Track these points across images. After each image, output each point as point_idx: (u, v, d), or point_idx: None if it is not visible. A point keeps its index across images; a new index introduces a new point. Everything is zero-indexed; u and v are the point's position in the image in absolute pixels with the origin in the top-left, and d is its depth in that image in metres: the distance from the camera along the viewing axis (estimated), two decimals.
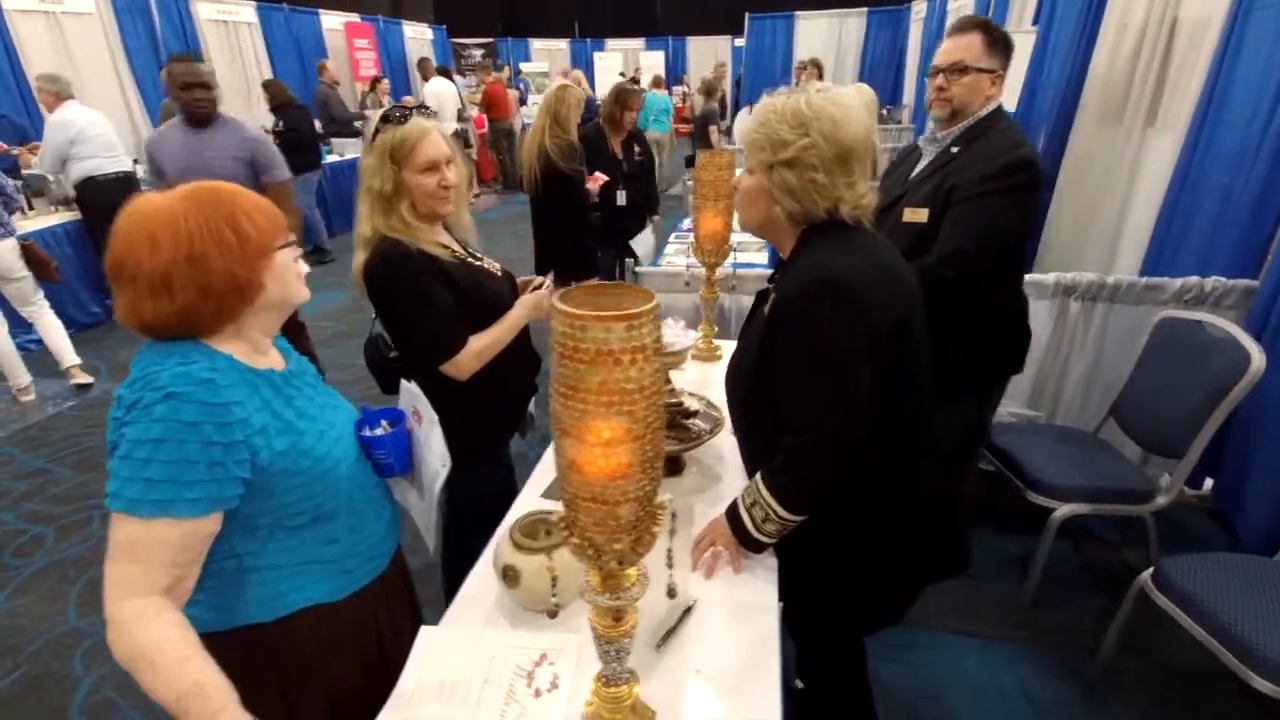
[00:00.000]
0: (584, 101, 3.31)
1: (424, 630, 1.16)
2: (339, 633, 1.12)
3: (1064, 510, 2.08)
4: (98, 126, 4.75)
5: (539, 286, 1.80)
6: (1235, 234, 2.57)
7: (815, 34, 10.80)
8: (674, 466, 1.65)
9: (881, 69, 10.27)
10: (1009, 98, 3.60)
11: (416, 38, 13.30)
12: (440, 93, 7.64)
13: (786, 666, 1.83)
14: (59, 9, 6.84)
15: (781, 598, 1.35)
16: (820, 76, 8.24)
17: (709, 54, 16.36)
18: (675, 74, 16.60)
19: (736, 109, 10.97)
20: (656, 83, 10.45)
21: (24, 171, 4.95)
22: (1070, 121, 3.86)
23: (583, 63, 17.83)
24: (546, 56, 17.34)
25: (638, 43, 17.44)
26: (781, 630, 1.53)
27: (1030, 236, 1.89)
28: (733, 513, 1.30)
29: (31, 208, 4.85)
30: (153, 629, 0.84)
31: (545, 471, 1.64)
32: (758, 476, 1.26)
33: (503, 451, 1.80)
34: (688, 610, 1.23)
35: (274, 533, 1.03)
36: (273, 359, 1.08)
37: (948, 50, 1.83)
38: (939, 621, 2.17)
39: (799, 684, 1.68)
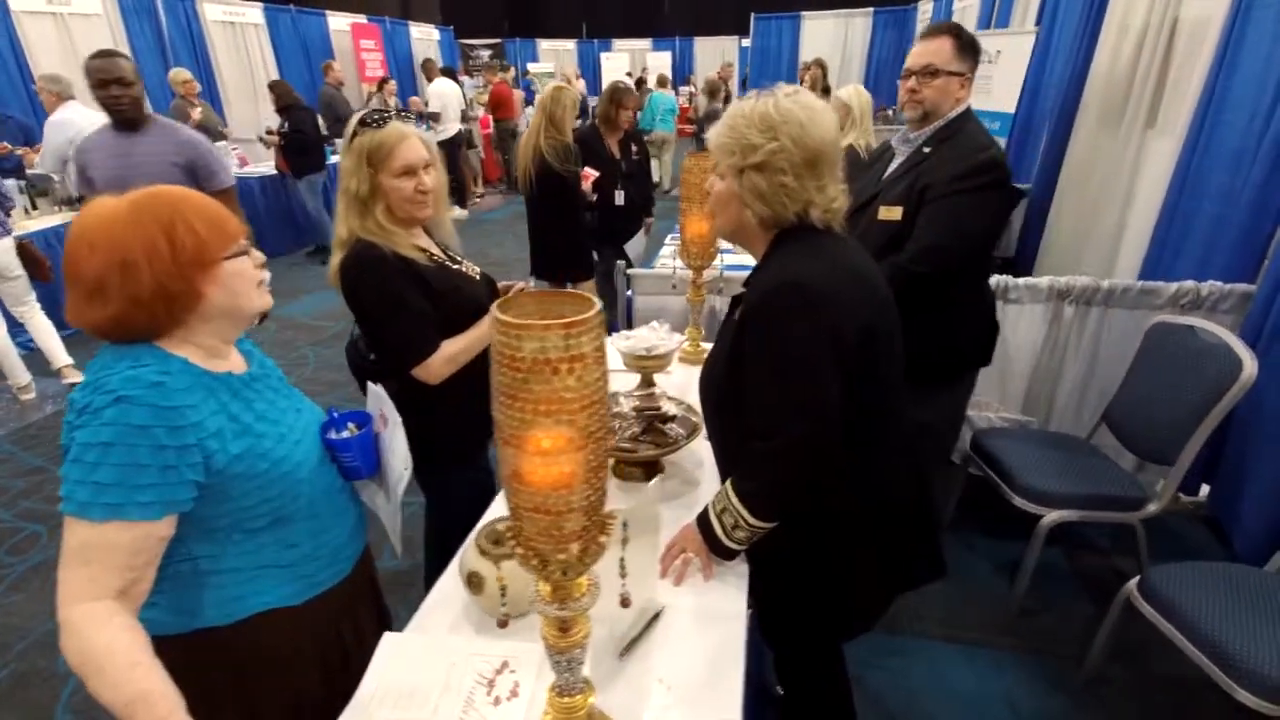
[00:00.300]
0: (579, 102, 3.30)
1: (387, 636, 1.15)
2: (299, 637, 1.11)
3: (1052, 517, 2.06)
4: (97, 127, 4.77)
5: (519, 291, 1.79)
6: (1234, 237, 2.54)
7: (821, 34, 10.76)
8: (652, 471, 1.63)
9: (887, 70, 10.22)
10: (1008, 98, 3.59)
11: (423, 38, 13.35)
12: (444, 93, 7.65)
13: (766, 673, 1.83)
14: (66, 10, 6.91)
15: (754, 604, 1.34)
16: (825, 77, 8.21)
17: (716, 54, 16.35)
18: (682, 74, 16.60)
19: None
20: (661, 82, 10.49)
21: (29, 171, 4.98)
22: (1071, 123, 3.83)
23: (590, 63, 17.85)
24: (553, 57, 17.36)
25: (645, 43, 17.43)
26: (759, 637, 1.53)
27: (999, 235, 1.95)
28: (703, 519, 1.29)
29: (35, 207, 4.89)
30: (103, 633, 0.84)
31: None
32: (728, 483, 1.25)
33: (479, 456, 1.79)
34: (655, 618, 1.22)
35: (231, 536, 1.02)
36: (233, 362, 1.08)
37: (919, 53, 1.89)
38: (924, 628, 2.15)
39: (779, 690, 1.67)
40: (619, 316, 2.81)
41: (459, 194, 8.38)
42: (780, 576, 1.31)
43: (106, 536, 0.88)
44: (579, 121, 3.56)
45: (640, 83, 16.66)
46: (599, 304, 0.74)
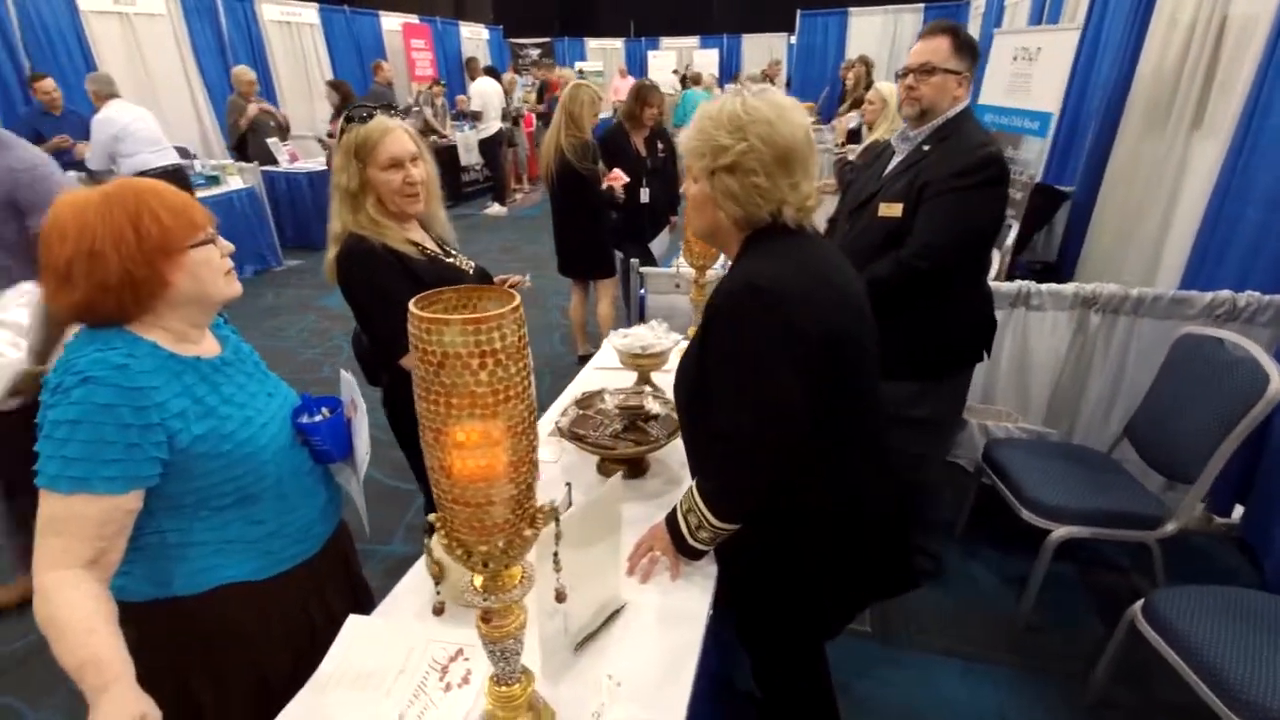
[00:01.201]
0: (598, 100, 3.32)
1: (351, 618, 1.19)
2: (266, 612, 1.15)
3: (1060, 532, 1.99)
4: (141, 122, 4.99)
5: (515, 285, 1.82)
6: (1277, 247, 2.40)
7: (869, 31, 10.57)
8: (637, 469, 1.64)
9: None
10: (1049, 98, 3.46)
11: (473, 38, 13.58)
12: (485, 92, 7.78)
13: (743, 678, 1.81)
14: (131, 10, 7.26)
15: (725, 604, 1.34)
16: (869, 74, 8.07)
17: (765, 52, 16.13)
18: (729, 72, 16.47)
19: None
20: (696, 80, 10.52)
21: (90, 166, 5.26)
22: (1116, 124, 3.68)
23: (637, 61, 17.88)
24: (601, 55, 17.46)
25: (692, 41, 17.36)
26: (735, 639, 1.53)
27: (997, 231, 1.99)
28: (671, 519, 1.29)
29: None
30: (66, 600, 0.90)
31: None
32: (693, 483, 1.25)
33: None
34: (614, 615, 1.23)
35: (198, 512, 1.07)
36: (205, 347, 1.12)
37: (917, 52, 1.91)
38: (924, 639, 2.10)
39: (758, 695, 1.66)
40: (631, 314, 2.82)
41: (499, 191, 8.50)
42: (747, 576, 1.30)
43: (74, 508, 0.93)
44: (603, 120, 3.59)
45: (684, 80, 16.66)
46: (517, 300, 0.75)
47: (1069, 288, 2.51)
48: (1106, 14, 3.83)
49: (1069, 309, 2.53)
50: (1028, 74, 3.69)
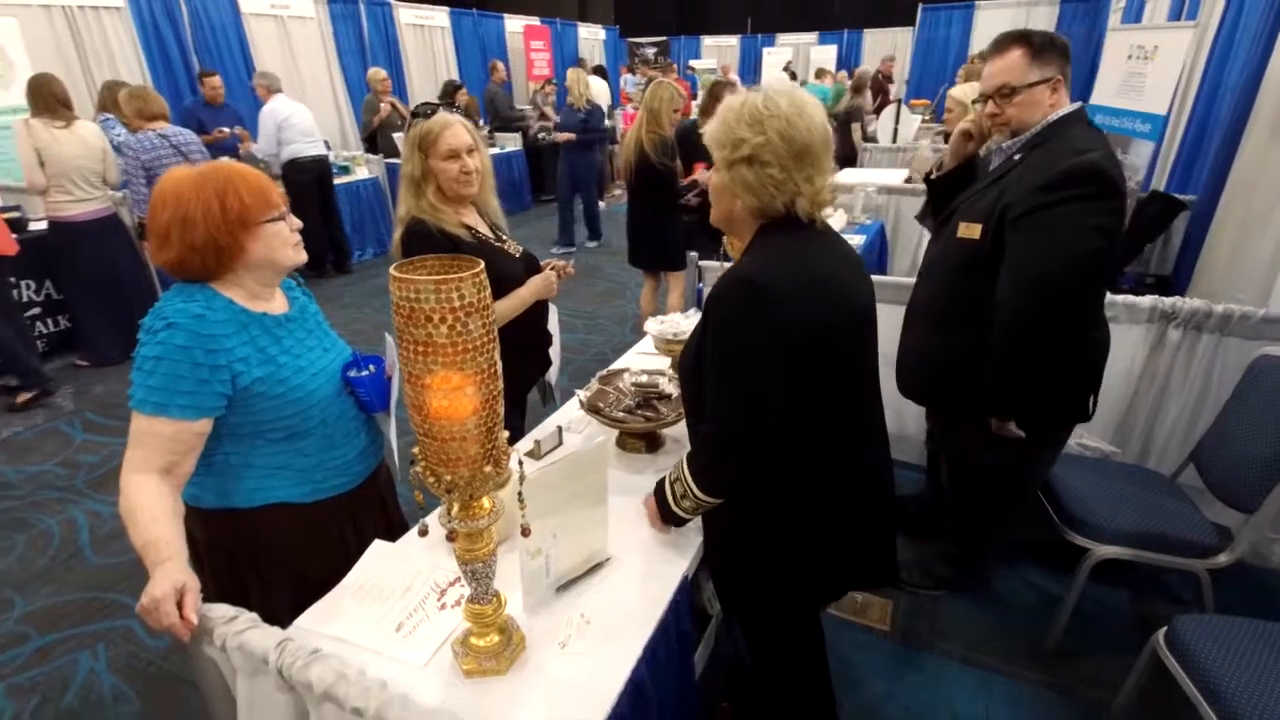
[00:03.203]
0: (679, 98, 3.43)
1: (376, 543, 1.39)
2: (306, 530, 1.37)
3: (1101, 552, 1.91)
4: (299, 115, 5.62)
5: (560, 270, 1.98)
6: None
7: (996, 26, 9.96)
8: (653, 444, 1.76)
9: (1073, 64, 9.28)
10: (1161, 100, 3.24)
11: (590, 38, 14.01)
12: (593, 90, 8.05)
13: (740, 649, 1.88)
14: (286, 13, 8.10)
15: (708, 566, 1.44)
16: None
17: (887, 47, 15.55)
18: (848, 68, 16.02)
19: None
20: (819, 74, 10.81)
21: (241, 152, 5.96)
22: (1241, 131, 3.37)
23: (751, 59, 17.75)
24: (716, 53, 17.47)
25: (810, 37, 17.01)
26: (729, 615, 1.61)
27: (1106, 259, 1.62)
28: (659, 486, 1.40)
29: None
30: (139, 496, 1.13)
31: (538, 432, 1.81)
32: (685, 454, 1.36)
33: (507, 415, 1.99)
34: (598, 565, 1.35)
35: (255, 441, 1.30)
36: (274, 304, 1.34)
37: (990, 75, 1.73)
38: (948, 646, 2.08)
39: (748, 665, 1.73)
40: (688, 305, 2.92)
41: (599, 187, 8.77)
42: (723, 542, 1.39)
43: (154, 427, 1.17)
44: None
45: (793, 77, 16.36)
46: (479, 266, 0.90)
47: (1146, 300, 2.37)
48: (1243, 12, 3.50)
49: (1145, 323, 2.39)
50: (1142, 73, 3.44)
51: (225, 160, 1.29)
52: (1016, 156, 1.73)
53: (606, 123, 8.53)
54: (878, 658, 2.05)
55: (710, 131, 1.29)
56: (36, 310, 4.27)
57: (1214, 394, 2.34)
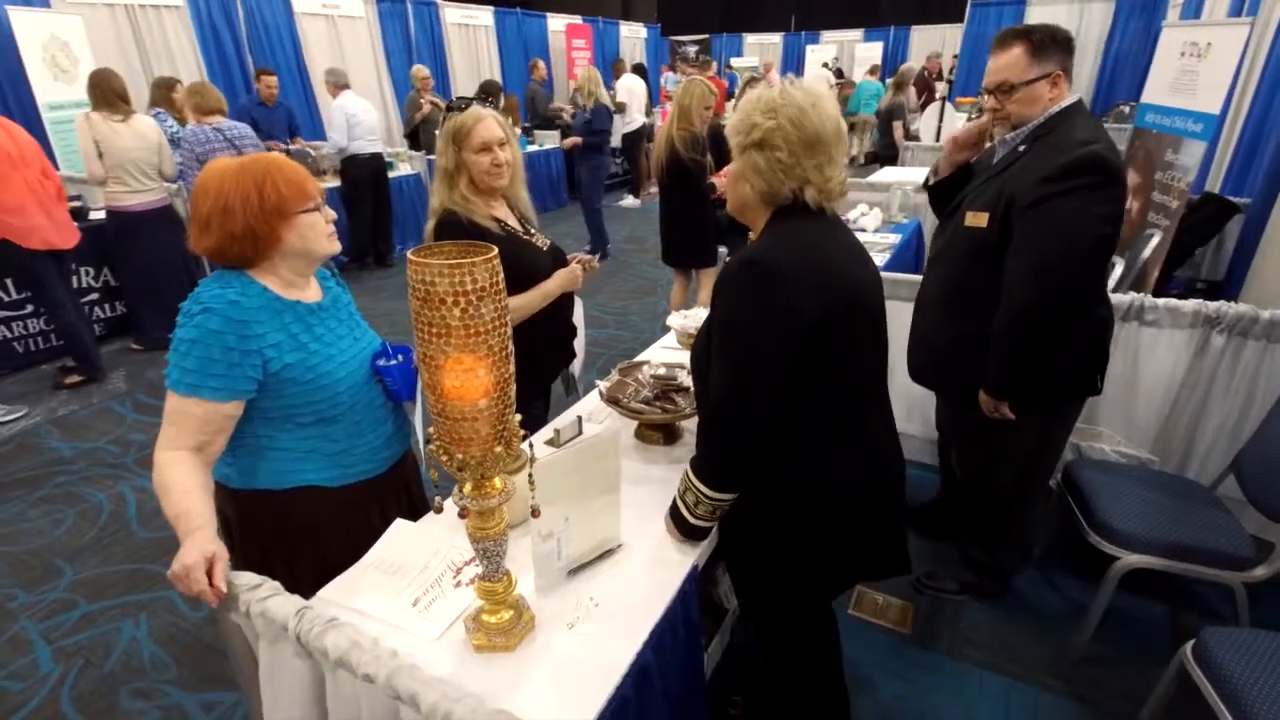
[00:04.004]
0: (710, 95, 3.43)
1: (397, 521, 1.43)
2: (332, 512, 1.42)
3: (1128, 560, 1.86)
4: (365, 114, 5.79)
5: (585, 264, 2.00)
6: None
7: (1049, 21, 9.68)
8: (670, 436, 1.78)
9: (1128, 62, 9.00)
10: (1214, 99, 3.12)
11: (631, 36, 14.06)
12: (631, 88, 8.10)
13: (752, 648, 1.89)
14: (336, 13, 8.32)
15: (720, 555, 1.45)
16: None
17: (935, 44, 15.28)
18: (894, 65, 15.77)
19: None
20: (873, 71, 11.61)
21: (291, 149, 6.15)
22: None
23: (794, 56, 17.59)
24: (758, 51, 17.36)
25: (855, 34, 16.78)
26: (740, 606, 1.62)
27: (1109, 247, 1.68)
28: (673, 506, 1.40)
29: None
30: (172, 470, 1.19)
31: (559, 421, 1.84)
32: (688, 463, 1.37)
33: (530, 404, 2.02)
34: (610, 551, 1.38)
35: (284, 425, 1.35)
36: (308, 293, 1.39)
37: (992, 70, 1.78)
38: (970, 651, 2.05)
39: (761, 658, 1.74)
40: None
41: (635, 185, 8.81)
42: (737, 532, 1.40)
43: (187, 407, 1.22)
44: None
45: (840, 74, 16.16)
46: (493, 251, 0.92)
47: (1189, 304, 2.30)
48: None
49: (1188, 328, 2.32)
50: (1195, 71, 3.31)
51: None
52: (1021, 148, 1.78)
53: (640, 120, 8.56)
54: (895, 659, 2.03)
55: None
56: (94, 296, 4.49)
57: (1259, 402, 2.26)
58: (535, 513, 1.12)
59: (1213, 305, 2.26)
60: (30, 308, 4.10)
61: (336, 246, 1.40)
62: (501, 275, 0.94)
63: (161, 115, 4.90)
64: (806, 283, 1.20)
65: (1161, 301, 2.33)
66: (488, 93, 7.15)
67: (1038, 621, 2.15)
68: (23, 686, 2.01)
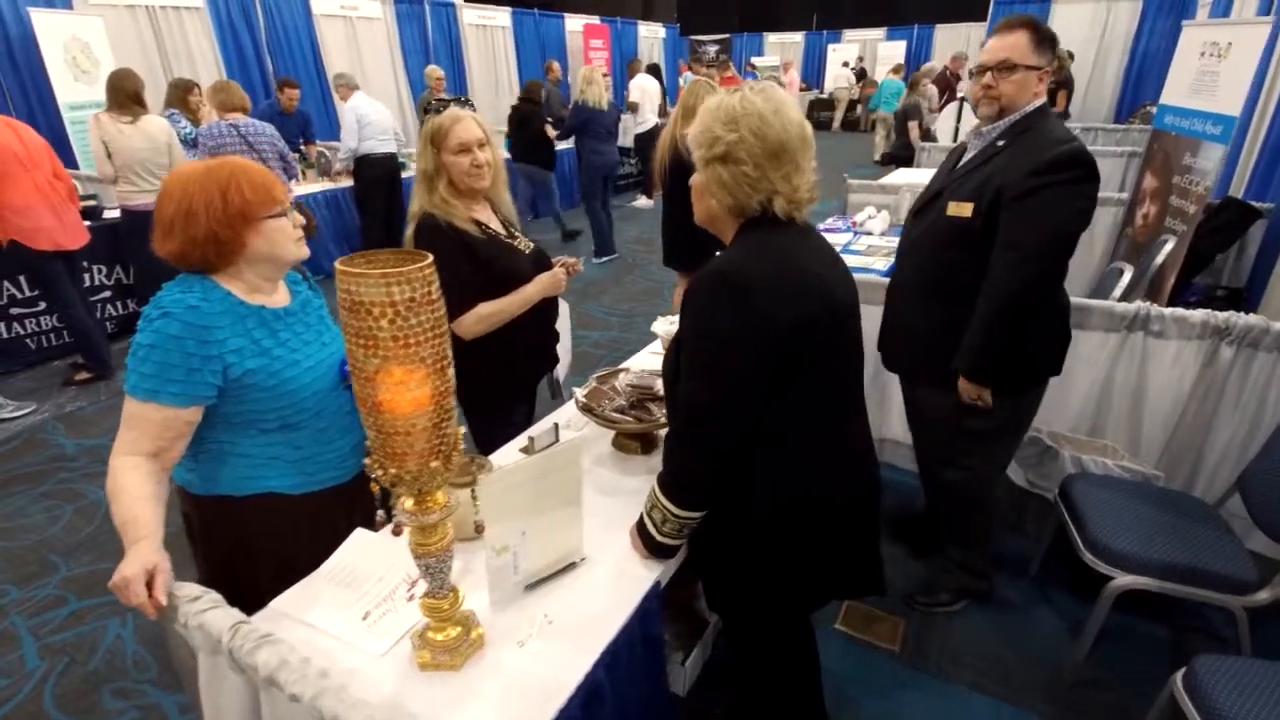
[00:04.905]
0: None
1: (357, 530, 1.41)
2: (296, 519, 1.40)
3: (1123, 581, 1.79)
4: (377, 114, 5.79)
5: (570, 267, 1.98)
6: None
7: (1075, 22, 9.49)
8: (648, 445, 1.74)
9: (1155, 62, 8.77)
10: (1234, 101, 3.02)
11: (649, 36, 14.02)
12: (644, 88, 8.05)
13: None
14: (354, 14, 8.40)
15: (690, 570, 1.42)
16: (1063, 69, 7.31)
17: (959, 43, 15.05)
18: (917, 64, 15.57)
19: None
20: (897, 70, 11.86)
21: (302, 149, 6.20)
22: None
23: (816, 55, 17.44)
24: (779, 50, 17.23)
25: (878, 33, 16.59)
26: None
27: (1077, 234, 1.76)
28: (639, 522, 1.36)
29: (304, 177, 6.09)
30: (124, 477, 1.18)
31: (536, 429, 1.82)
32: (655, 480, 1.33)
33: (515, 409, 2.00)
34: (572, 565, 1.35)
35: (247, 430, 1.33)
36: (275, 298, 1.37)
37: (994, 49, 1.78)
38: (957, 671, 1.98)
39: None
40: None
41: (647, 185, 8.77)
42: (706, 545, 1.36)
43: (144, 413, 1.21)
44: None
45: (861, 74, 15.96)
46: (426, 260, 0.90)
47: (1197, 314, 2.21)
48: None
49: (1196, 339, 2.23)
50: (1215, 72, 3.20)
51: (233, 155, 1.33)
52: (1000, 142, 1.80)
53: (653, 120, 8.49)
54: (881, 677, 1.98)
55: (690, 132, 1.28)
56: (106, 294, 4.56)
57: (1269, 417, 2.17)
58: (478, 529, 1.09)
59: (1221, 315, 2.17)
60: (43, 305, 4.17)
61: (305, 252, 1.39)
62: (436, 285, 0.91)
63: (175, 116, 4.96)
64: (776, 292, 1.16)
65: (1169, 311, 2.25)
66: (531, 96, 6.99)
67: (1031, 640, 2.08)
68: (8, 683, 2.03)
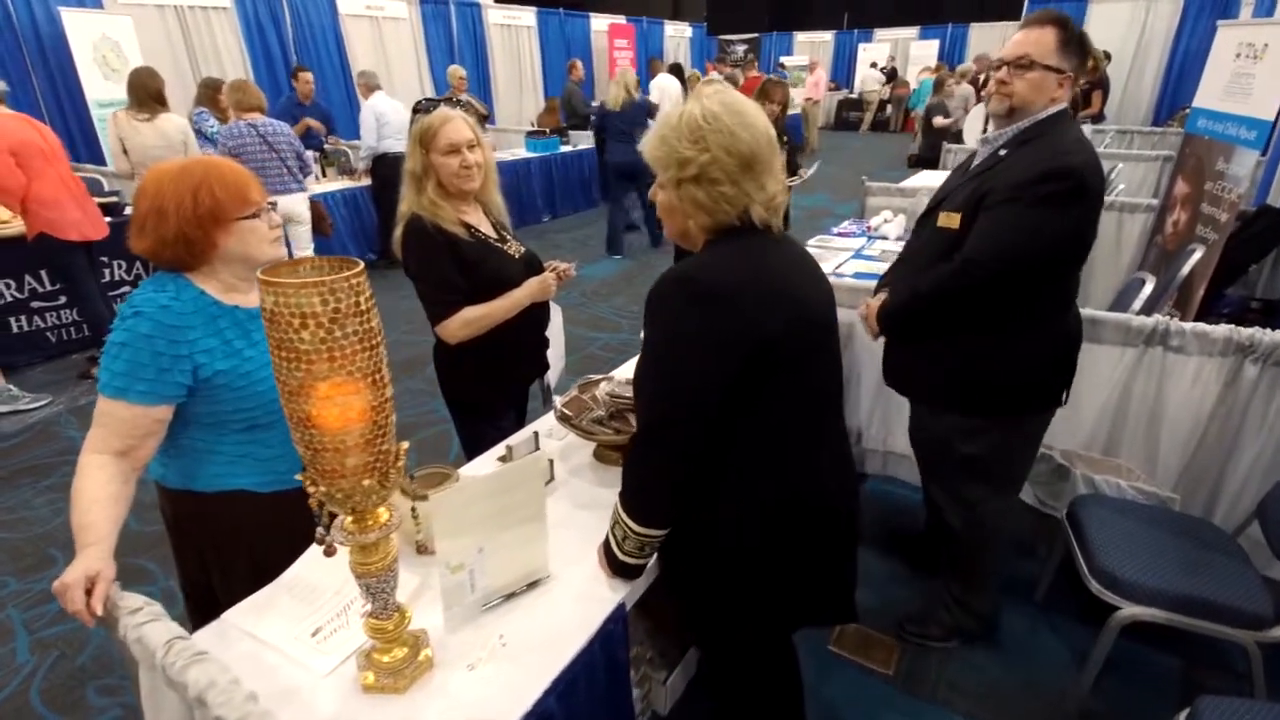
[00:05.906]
0: None
1: None
2: (265, 519, 1.38)
3: (1129, 611, 1.70)
4: (395, 114, 5.82)
5: (561, 272, 1.93)
6: None
7: (1113, 21, 9.20)
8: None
9: (1196, 63, 8.44)
10: (1268, 103, 2.87)
11: (676, 35, 13.96)
12: (664, 87, 7.96)
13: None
14: (380, 14, 8.47)
15: (666, 592, 1.37)
16: (1097, 69, 7.08)
17: (995, 42, 14.72)
18: (952, 64, 15.28)
19: None
20: (937, 70, 11.61)
21: (326, 148, 6.26)
22: None
23: (846, 55, 17.21)
24: (809, 49, 17.03)
25: (910, 32, 16.31)
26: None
27: (1071, 256, 1.65)
28: (605, 540, 1.31)
29: (324, 175, 6.15)
30: (88, 477, 1.17)
31: (515, 438, 1.78)
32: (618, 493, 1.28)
33: (499, 414, 1.96)
34: (534, 584, 1.30)
35: (219, 429, 1.32)
36: (250, 298, 1.35)
37: (1016, 42, 1.66)
38: (951, 698, 1.90)
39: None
40: None
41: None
42: (674, 565, 1.32)
43: (114, 410, 1.20)
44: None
45: (892, 74, 15.71)
46: (357, 268, 0.86)
47: (1220, 330, 2.09)
48: None
49: (1218, 356, 2.11)
50: (1250, 74, 3.05)
51: (211, 155, 1.31)
52: (1002, 151, 1.69)
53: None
54: (871, 704, 1.90)
55: (650, 151, 1.20)
56: (125, 289, 4.64)
57: None
58: (421, 549, 1.05)
59: (1245, 332, 2.04)
60: (63, 299, 4.25)
61: (280, 252, 1.37)
62: (368, 295, 0.87)
63: (205, 114, 5.04)
64: (748, 301, 1.11)
65: (1189, 326, 2.13)
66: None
67: (1034, 669, 1.98)
68: None
